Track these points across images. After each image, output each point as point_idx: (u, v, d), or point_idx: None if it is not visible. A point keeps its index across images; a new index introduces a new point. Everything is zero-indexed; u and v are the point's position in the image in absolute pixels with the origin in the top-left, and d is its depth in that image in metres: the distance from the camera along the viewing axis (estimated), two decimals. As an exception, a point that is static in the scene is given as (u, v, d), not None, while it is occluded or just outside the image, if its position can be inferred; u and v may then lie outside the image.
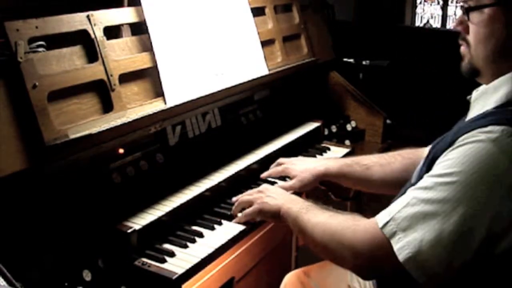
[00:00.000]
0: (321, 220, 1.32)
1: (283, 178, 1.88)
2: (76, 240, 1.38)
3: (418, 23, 5.83)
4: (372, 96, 2.64)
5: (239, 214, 1.61)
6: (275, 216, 1.50)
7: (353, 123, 2.55)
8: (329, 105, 2.61)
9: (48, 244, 1.34)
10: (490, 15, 1.17)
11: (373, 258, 1.18)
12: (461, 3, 1.24)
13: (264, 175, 1.88)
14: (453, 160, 1.08)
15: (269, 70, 2.16)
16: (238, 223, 1.60)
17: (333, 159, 1.83)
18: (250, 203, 1.59)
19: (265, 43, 2.21)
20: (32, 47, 1.41)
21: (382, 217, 1.17)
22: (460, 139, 1.10)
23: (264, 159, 1.98)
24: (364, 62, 3.18)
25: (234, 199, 1.68)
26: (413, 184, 1.19)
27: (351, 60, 3.16)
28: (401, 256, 1.10)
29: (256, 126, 2.11)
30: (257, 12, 2.24)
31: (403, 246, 1.10)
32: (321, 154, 2.20)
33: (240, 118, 2.06)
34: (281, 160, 1.91)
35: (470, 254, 1.06)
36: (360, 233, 1.20)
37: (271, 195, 1.56)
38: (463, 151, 1.07)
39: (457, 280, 1.11)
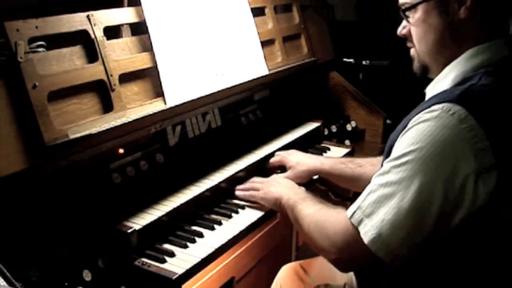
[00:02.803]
0: (311, 212, 1.39)
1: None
2: (76, 240, 1.38)
3: (418, 23, 5.82)
4: (372, 96, 2.63)
5: (245, 193, 1.74)
6: (276, 205, 1.59)
7: (353, 123, 2.55)
8: (329, 105, 2.61)
9: (48, 244, 1.34)
10: (424, 11, 1.24)
11: (346, 248, 1.22)
12: (400, 8, 1.31)
13: (268, 165, 1.97)
14: (404, 142, 1.13)
15: (269, 70, 2.16)
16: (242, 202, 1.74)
17: (329, 157, 1.88)
18: (257, 189, 1.71)
19: (265, 43, 2.21)
20: (32, 47, 1.41)
21: (351, 208, 1.22)
22: (409, 123, 1.15)
23: (264, 159, 1.98)
24: (364, 62, 3.17)
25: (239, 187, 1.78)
26: None
27: (351, 60, 3.15)
28: (366, 238, 1.14)
29: (256, 126, 2.11)
30: (257, 12, 2.24)
31: (368, 230, 1.15)
32: (321, 154, 2.20)
33: (240, 118, 2.06)
34: (278, 152, 1.99)
35: (428, 229, 1.10)
36: (336, 225, 1.25)
37: (276, 185, 1.66)
38: (411, 133, 1.12)
39: (421, 258, 1.15)
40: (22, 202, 1.32)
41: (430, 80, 1.33)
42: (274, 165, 1.95)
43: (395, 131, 1.24)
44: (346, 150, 2.25)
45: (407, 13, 1.28)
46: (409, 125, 1.14)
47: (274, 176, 1.81)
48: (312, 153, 2.20)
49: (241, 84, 1.96)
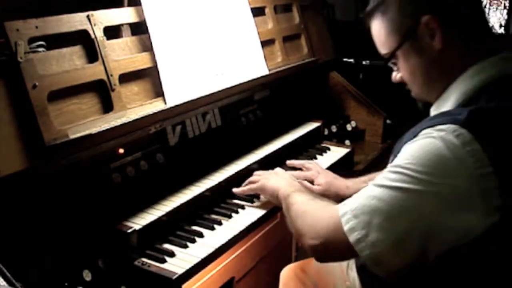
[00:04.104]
0: (299, 201, 1.42)
1: None
2: (76, 240, 1.38)
3: (418, 23, 5.83)
4: (372, 96, 2.63)
5: (243, 188, 1.76)
6: (274, 196, 1.60)
7: (353, 123, 2.55)
8: (329, 105, 2.61)
9: (48, 244, 1.34)
10: (403, 56, 1.26)
11: (327, 238, 1.21)
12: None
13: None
14: (407, 152, 1.13)
15: (269, 70, 2.16)
16: (241, 195, 1.77)
17: (352, 179, 1.85)
18: (256, 181, 1.71)
19: (265, 43, 2.21)
20: (32, 47, 1.41)
21: (343, 202, 1.21)
22: (419, 134, 1.14)
23: (264, 159, 1.98)
24: (364, 62, 3.17)
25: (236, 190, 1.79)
26: None
27: (351, 60, 3.15)
28: (351, 237, 1.13)
29: (256, 126, 2.11)
30: (257, 12, 2.24)
31: (353, 227, 1.14)
32: (321, 154, 2.20)
33: (240, 118, 2.06)
34: (307, 165, 1.95)
35: (416, 245, 1.08)
36: (322, 213, 1.26)
37: (275, 177, 1.67)
38: (417, 146, 1.12)
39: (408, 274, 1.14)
40: (22, 202, 1.32)
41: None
42: (301, 179, 1.87)
43: (401, 140, 1.23)
44: (346, 150, 2.25)
45: (391, 61, 1.30)
46: (419, 136, 1.14)
47: (277, 169, 1.80)
48: (313, 153, 2.20)
49: (241, 84, 1.96)
